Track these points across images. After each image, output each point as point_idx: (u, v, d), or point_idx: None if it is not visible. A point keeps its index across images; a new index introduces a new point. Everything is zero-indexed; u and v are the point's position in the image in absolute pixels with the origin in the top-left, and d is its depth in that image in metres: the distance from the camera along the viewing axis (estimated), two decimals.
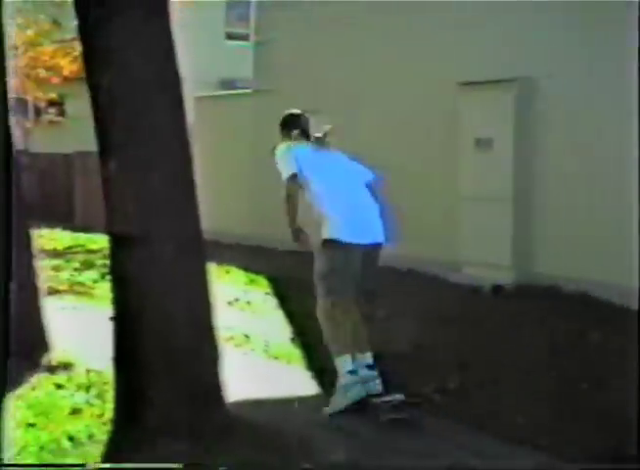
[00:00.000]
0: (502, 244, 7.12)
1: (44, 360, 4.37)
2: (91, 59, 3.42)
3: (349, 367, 3.73)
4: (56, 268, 8.03)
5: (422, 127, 7.95)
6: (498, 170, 7.17)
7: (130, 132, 3.41)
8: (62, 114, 16.20)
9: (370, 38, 8.55)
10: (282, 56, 9.81)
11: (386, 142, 8.21)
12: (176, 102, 3.39)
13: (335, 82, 8.97)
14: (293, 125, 4.19)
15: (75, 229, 11.85)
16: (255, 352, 4.99)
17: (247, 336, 5.29)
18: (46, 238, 9.52)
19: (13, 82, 7.40)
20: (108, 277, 7.49)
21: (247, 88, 11.40)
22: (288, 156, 3.91)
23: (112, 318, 3.32)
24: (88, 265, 8.43)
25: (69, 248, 9.98)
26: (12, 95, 4.71)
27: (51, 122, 16.06)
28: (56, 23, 11.42)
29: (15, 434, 3.30)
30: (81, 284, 7.33)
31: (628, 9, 5.34)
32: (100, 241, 10.37)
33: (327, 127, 4.17)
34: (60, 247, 9.85)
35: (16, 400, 3.75)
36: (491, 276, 6.93)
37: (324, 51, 9.19)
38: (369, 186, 4.04)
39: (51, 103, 14.57)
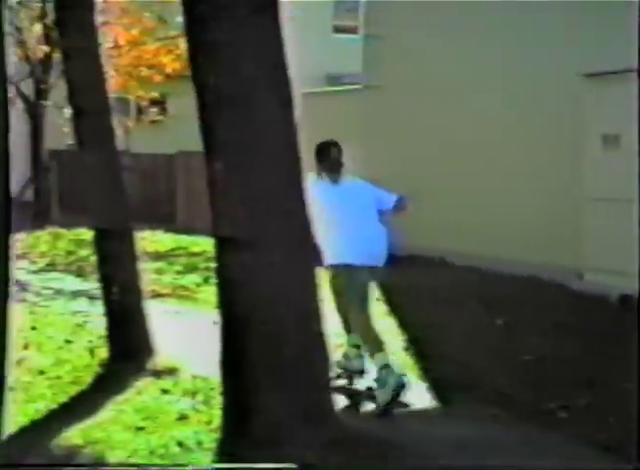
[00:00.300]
0: (630, 249, 6.79)
1: (149, 365, 4.57)
2: (197, 56, 3.48)
3: (385, 362, 4.28)
4: (158, 271, 8.40)
5: (544, 122, 7.73)
6: (627, 169, 6.85)
7: (237, 131, 3.47)
8: (164, 113, 16.87)
9: (486, 32, 8.41)
10: (393, 50, 9.78)
11: (503, 140, 8.05)
12: (285, 99, 3.43)
13: (448, 78, 8.87)
14: (322, 156, 4.79)
15: (177, 231, 12.33)
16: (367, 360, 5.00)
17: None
18: (148, 240, 9.96)
19: (115, 81, 7.77)
20: (211, 281, 7.79)
21: (355, 84, 11.45)
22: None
23: (217, 323, 3.41)
24: (191, 268, 8.76)
25: (172, 250, 10.40)
26: (114, 94, 5.00)
27: (153, 122, 16.73)
28: (161, 20, 11.89)
29: (122, 436, 3.47)
30: (184, 288, 7.62)
31: None
32: (202, 243, 10.76)
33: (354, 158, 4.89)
34: (162, 249, 10.29)
35: (122, 403, 3.94)
36: (618, 284, 6.64)
37: (436, 45, 9.10)
38: (382, 212, 4.78)
39: (153, 102, 15.18)
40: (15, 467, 3.40)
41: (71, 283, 7.89)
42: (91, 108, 5.07)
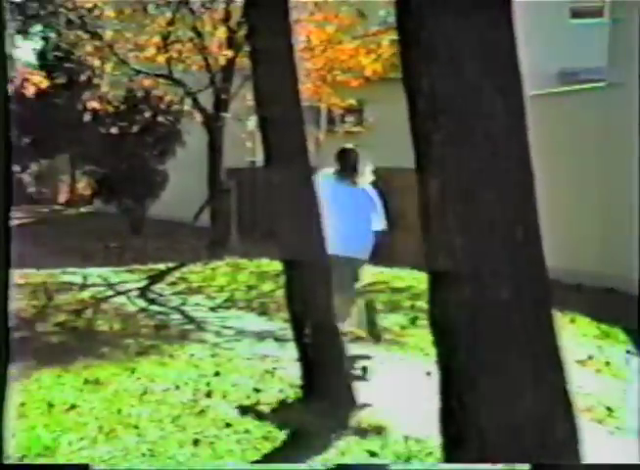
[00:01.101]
0: None
1: (351, 421, 4.69)
2: (410, 56, 3.51)
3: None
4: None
5: None
6: None
7: (457, 145, 3.48)
8: (361, 123, 17.34)
9: None
10: None
11: None
12: (515, 105, 3.39)
13: None
14: (341, 159, 6.56)
15: (376, 263, 12.50)
16: (621, 433, 4.80)
17: (609, 409, 5.13)
18: None
19: (306, 88, 8.08)
20: (420, 322, 7.89)
21: (597, 81, 11.09)
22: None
23: (431, 374, 3.43)
24: (394, 307, 8.91)
25: (371, 285, 10.59)
26: (305, 102, 5.19)
27: (348, 133, 17.28)
28: (360, 14, 12.17)
29: None
30: (387, 329, 7.76)
31: None
32: (406, 277, 10.92)
33: (369, 168, 6.62)
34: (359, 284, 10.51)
35: (322, 466, 4.09)
36: None
37: None
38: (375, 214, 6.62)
39: (348, 110, 15.62)
40: (15, 467, 3.65)
41: (255, 322, 8.32)
42: (280, 119, 5.20)
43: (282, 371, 6.10)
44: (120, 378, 5.98)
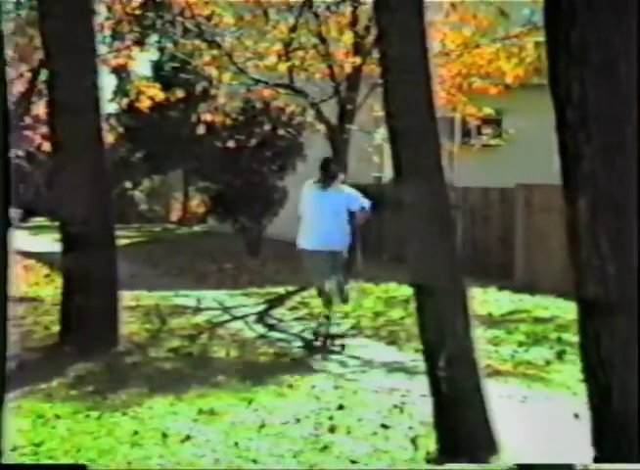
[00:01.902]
0: None
1: (492, 464, 4.63)
2: (559, 61, 3.49)
3: (327, 314, 8.64)
4: (494, 341, 8.57)
5: None
6: None
7: (611, 158, 3.44)
8: (499, 134, 17.16)
9: None
10: None
11: None
12: None
13: None
14: (323, 168, 8.88)
15: (516, 289, 12.39)
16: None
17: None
18: (478, 300, 10.18)
19: (439, 97, 8.10)
20: (567, 357, 7.72)
21: None
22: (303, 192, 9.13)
23: (580, 417, 3.36)
24: (537, 339, 8.76)
25: (510, 314, 10.50)
26: (438, 113, 5.19)
27: (485, 146, 17.12)
28: (502, 14, 11.99)
29: None
30: (530, 364, 7.65)
31: None
32: (551, 307, 10.73)
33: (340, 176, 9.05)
34: (497, 312, 10.45)
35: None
36: None
37: None
38: (352, 212, 8.84)
39: (485, 121, 15.49)
40: (15, 467, 3.68)
41: (383, 352, 8.35)
42: (412, 131, 5.20)
43: (412, 406, 6.11)
44: (237, 409, 6.13)
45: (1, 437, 3.42)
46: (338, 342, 8.50)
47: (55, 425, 5.77)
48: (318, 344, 8.55)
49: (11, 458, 4.32)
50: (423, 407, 5.56)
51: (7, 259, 3.42)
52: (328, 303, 8.64)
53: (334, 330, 8.62)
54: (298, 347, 8.71)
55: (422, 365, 5.32)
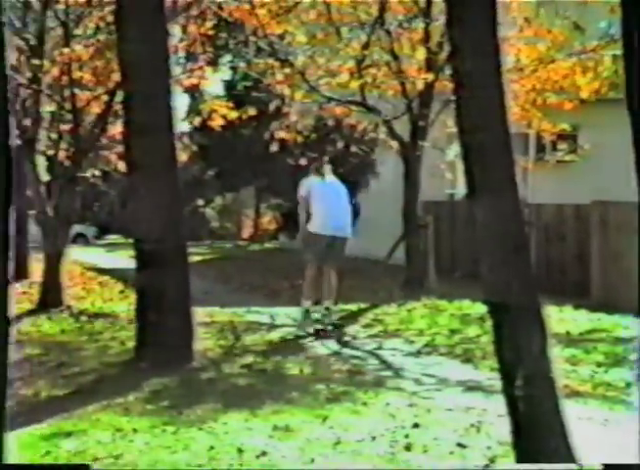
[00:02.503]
0: None
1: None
2: (636, 73, 3.45)
3: (306, 307, 10.43)
4: (572, 361, 8.45)
5: None
6: None
7: None
8: (574, 150, 16.98)
9: None
10: None
11: None
12: None
13: None
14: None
15: (593, 308, 12.19)
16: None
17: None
18: (554, 318, 10.04)
19: (513, 112, 8.05)
20: None
21: None
22: (303, 185, 10.59)
23: None
24: (616, 360, 8.60)
25: (588, 333, 10.34)
26: (512, 128, 5.16)
27: (559, 162, 16.97)
28: (577, 28, 11.89)
29: None
30: (610, 386, 7.51)
31: None
32: (631, 327, 10.49)
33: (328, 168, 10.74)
34: (575, 331, 10.30)
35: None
36: None
37: None
38: (350, 199, 10.69)
39: (560, 136, 15.34)
40: (15, 467, 3.70)
41: (458, 370, 8.29)
42: (486, 147, 5.18)
43: (489, 426, 6.05)
44: (312, 425, 6.14)
45: (1, 437, 3.52)
46: (334, 329, 10.37)
47: (133, 439, 5.86)
48: (320, 330, 10.24)
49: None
50: (500, 427, 5.50)
51: (7, 260, 3.53)
52: (317, 287, 10.51)
53: (327, 320, 10.45)
54: (309, 334, 10.26)
55: (498, 384, 5.27)
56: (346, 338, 10.24)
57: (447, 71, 11.87)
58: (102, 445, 5.76)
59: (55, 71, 12.65)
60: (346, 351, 9.39)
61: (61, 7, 12.46)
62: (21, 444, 5.80)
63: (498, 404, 5.40)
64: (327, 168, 10.78)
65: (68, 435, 5.99)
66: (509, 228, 5.14)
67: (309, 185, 10.56)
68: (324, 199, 10.40)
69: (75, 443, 5.82)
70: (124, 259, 22.23)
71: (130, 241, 9.82)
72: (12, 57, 12.00)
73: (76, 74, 12.47)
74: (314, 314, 10.54)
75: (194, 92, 28.35)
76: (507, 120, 5.10)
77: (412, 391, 7.34)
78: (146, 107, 8.50)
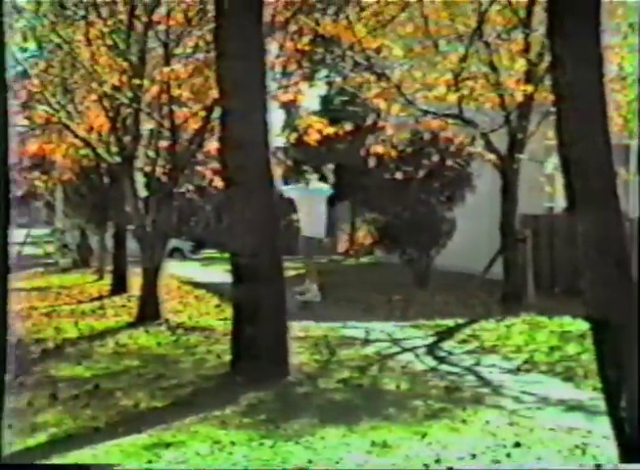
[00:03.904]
0: None
1: None
2: None
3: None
4: None
5: None
6: None
7: None
8: None
9: None
10: None
11: None
12: None
13: None
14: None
15: None
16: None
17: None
18: None
19: (614, 123, 7.84)
20: None
21: None
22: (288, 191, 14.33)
23: None
24: None
25: None
26: (614, 140, 5.04)
27: None
28: None
29: None
30: None
31: None
32: None
33: (313, 176, 14.30)
34: None
35: None
36: None
37: None
38: (330, 200, 14.86)
39: None
40: (15, 467, 3.66)
41: (559, 389, 8.13)
42: (587, 159, 5.09)
43: (595, 448, 5.90)
44: (410, 442, 6.10)
45: (0, 437, 3.63)
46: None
47: (231, 451, 5.93)
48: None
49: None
50: (607, 449, 5.37)
51: (7, 261, 3.60)
52: (309, 274, 14.25)
53: (309, 297, 13.98)
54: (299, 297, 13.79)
55: (602, 404, 5.15)
56: (442, 353, 10.16)
57: (547, 83, 11.70)
58: (201, 456, 5.85)
59: (154, 90, 12.94)
60: (443, 367, 9.31)
61: (162, 28, 12.76)
62: (123, 452, 5.94)
63: (603, 425, 5.28)
64: (313, 177, 14.14)
65: (168, 446, 6.10)
66: (610, 242, 5.03)
67: (292, 192, 14.22)
68: (303, 208, 14.07)
69: (175, 453, 5.93)
70: (220, 274, 22.55)
71: (225, 255, 9.98)
72: (114, 78, 12.35)
73: (175, 92, 12.73)
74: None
75: (289, 107, 28.59)
76: (608, 132, 5.00)
77: (512, 409, 7.23)
78: (242, 122, 8.62)
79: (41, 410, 7.30)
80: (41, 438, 6.46)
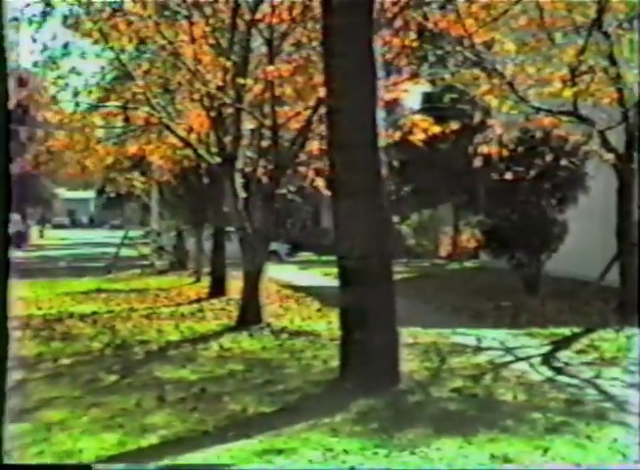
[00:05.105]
0: None
1: None
2: None
3: None
4: None
5: None
6: None
7: None
8: None
9: None
10: None
11: None
12: None
13: None
14: None
15: None
16: None
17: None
18: None
19: None
20: None
21: None
22: None
23: None
24: None
25: None
26: None
27: None
28: None
29: None
30: None
31: None
32: None
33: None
34: None
35: None
36: None
37: None
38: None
39: None
40: (15, 467, 3.60)
41: None
42: None
43: None
44: (532, 457, 6.01)
45: (1, 437, 3.71)
46: None
47: (345, 460, 5.95)
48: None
49: None
50: None
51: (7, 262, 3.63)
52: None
53: None
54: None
55: None
56: (559, 364, 9.97)
57: None
58: (314, 463, 5.87)
59: (257, 89, 13.06)
60: (561, 378, 9.12)
61: (264, 25, 12.85)
62: (234, 458, 6.02)
63: None
64: None
65: (280, 452, 6.15)
66: None
67: None
68: None
69: (287, 460, 5.98)
70: (318, 277, 22.70)
71: (322, 258, 9.99)
72: (218, 77, 12.51)
73: (278, 91, 12.82)
74: None
75: (393, 106, 28.55)
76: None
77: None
78: (352, 122, 8.59)
79: (149, 412, 7.46)
80: (152, 439, 6.58)
